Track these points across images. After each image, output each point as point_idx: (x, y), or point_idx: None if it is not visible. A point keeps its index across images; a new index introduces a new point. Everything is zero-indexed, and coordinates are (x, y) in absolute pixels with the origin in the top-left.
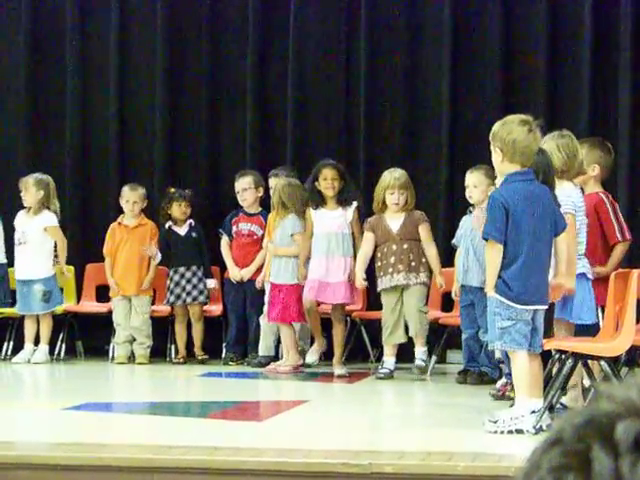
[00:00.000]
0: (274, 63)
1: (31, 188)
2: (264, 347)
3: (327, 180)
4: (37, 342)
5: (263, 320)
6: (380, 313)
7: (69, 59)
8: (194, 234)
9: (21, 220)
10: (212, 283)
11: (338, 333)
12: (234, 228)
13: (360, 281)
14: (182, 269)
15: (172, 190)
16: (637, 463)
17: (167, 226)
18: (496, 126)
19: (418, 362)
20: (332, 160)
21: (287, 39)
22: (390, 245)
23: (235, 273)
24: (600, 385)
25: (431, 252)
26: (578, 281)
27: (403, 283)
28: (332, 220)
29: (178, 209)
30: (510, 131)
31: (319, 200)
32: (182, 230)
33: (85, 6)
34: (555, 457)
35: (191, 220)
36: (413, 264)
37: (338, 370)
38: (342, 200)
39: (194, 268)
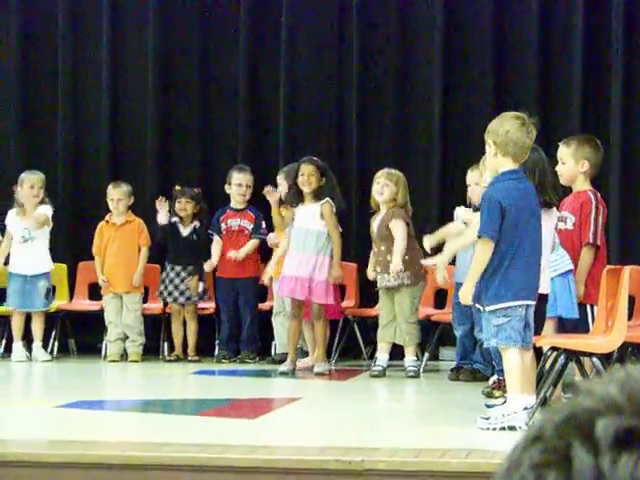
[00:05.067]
0: (266, 60)
1: (35, 186)
2: (280, 345)
3: (304, 176)
4: (24, 339)
5: (275, 319)
6: (373, 310)
7: (61, 57)
8: (195, 237)
9: (17, 219)
10: (201, 287)
11: (316, 331)
12: (223, 225)
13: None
14: (178, 268)
15: (177, 188)
16: (617, 460)
17: (172, 220)
18: (491, 122)
19: (409, 369)
20: (314, 157)
21: (279, 36)
22: (374, 247)
23: (208, 266)
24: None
25: (395, 246)
26: (563, 278)
27: (394, 284)
28: (304, 217)
29: (178, 206)
30: (503, 123)
31: (298, 198)
32: (185, 230)
33: (77, 4)
34: (536, 454)
35: (197, 222)
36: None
37: (317, 368)
38: (318, 196)
39: (190, 269)
